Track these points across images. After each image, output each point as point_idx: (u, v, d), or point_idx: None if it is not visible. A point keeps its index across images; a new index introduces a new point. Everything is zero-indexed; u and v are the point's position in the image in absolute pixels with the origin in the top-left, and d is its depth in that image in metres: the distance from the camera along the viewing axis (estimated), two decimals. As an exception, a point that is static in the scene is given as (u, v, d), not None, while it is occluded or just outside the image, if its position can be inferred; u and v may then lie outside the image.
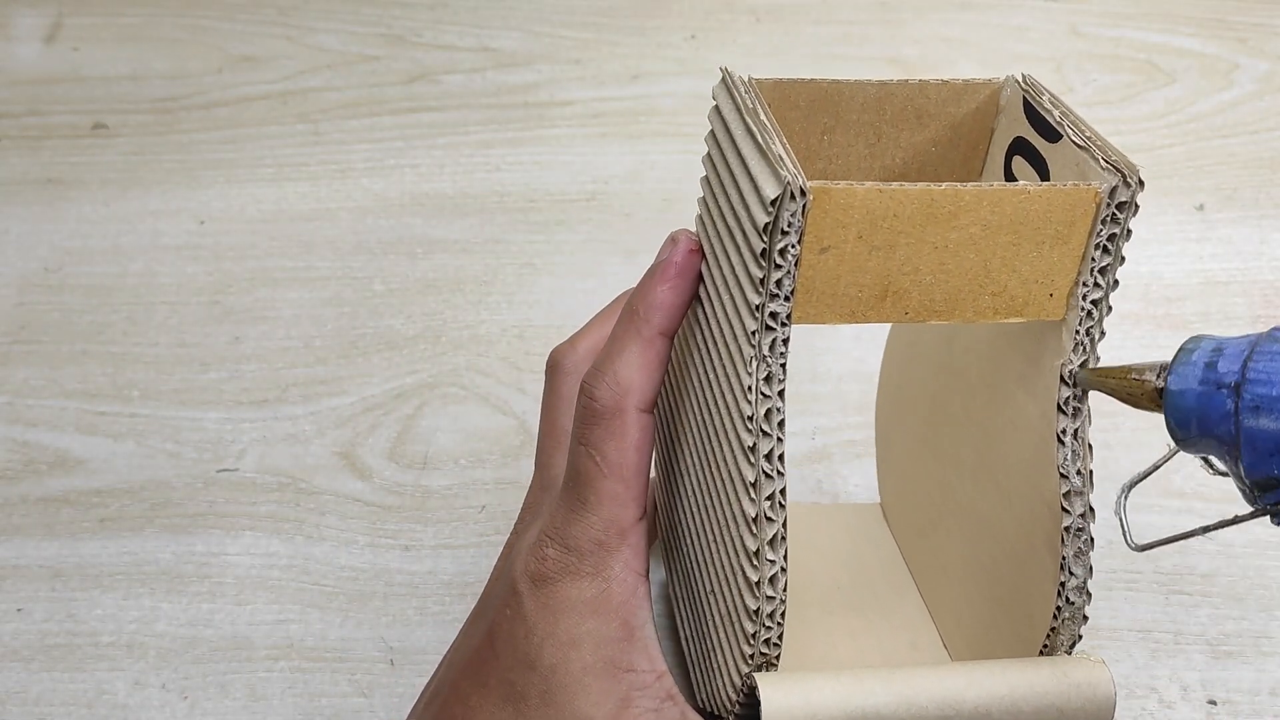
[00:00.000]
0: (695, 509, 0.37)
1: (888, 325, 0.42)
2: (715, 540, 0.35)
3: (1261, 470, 0.27)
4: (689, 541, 0.38)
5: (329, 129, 0.67)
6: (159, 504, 0.51)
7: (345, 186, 0.64)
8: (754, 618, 0.32)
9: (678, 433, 0.39)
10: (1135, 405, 0.30)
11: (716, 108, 0.34)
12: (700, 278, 0.35)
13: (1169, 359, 0.29)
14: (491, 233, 0.62)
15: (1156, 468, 0.32)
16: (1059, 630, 0.33)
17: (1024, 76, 0.35)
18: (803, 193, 0.29)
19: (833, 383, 0.55)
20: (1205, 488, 0.51)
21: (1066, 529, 0.32)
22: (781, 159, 0.29)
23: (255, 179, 0.64)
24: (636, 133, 0.66)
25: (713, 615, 0.36)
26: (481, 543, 0.49)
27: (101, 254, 0.62)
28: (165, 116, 0.67)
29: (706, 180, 0.35)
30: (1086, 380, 0.32)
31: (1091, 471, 0.32)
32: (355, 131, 0.66)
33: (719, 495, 0.34)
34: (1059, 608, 0.33)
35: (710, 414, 0.34)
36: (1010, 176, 0.35)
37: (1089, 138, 0.32)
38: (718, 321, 0.33)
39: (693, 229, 0.36)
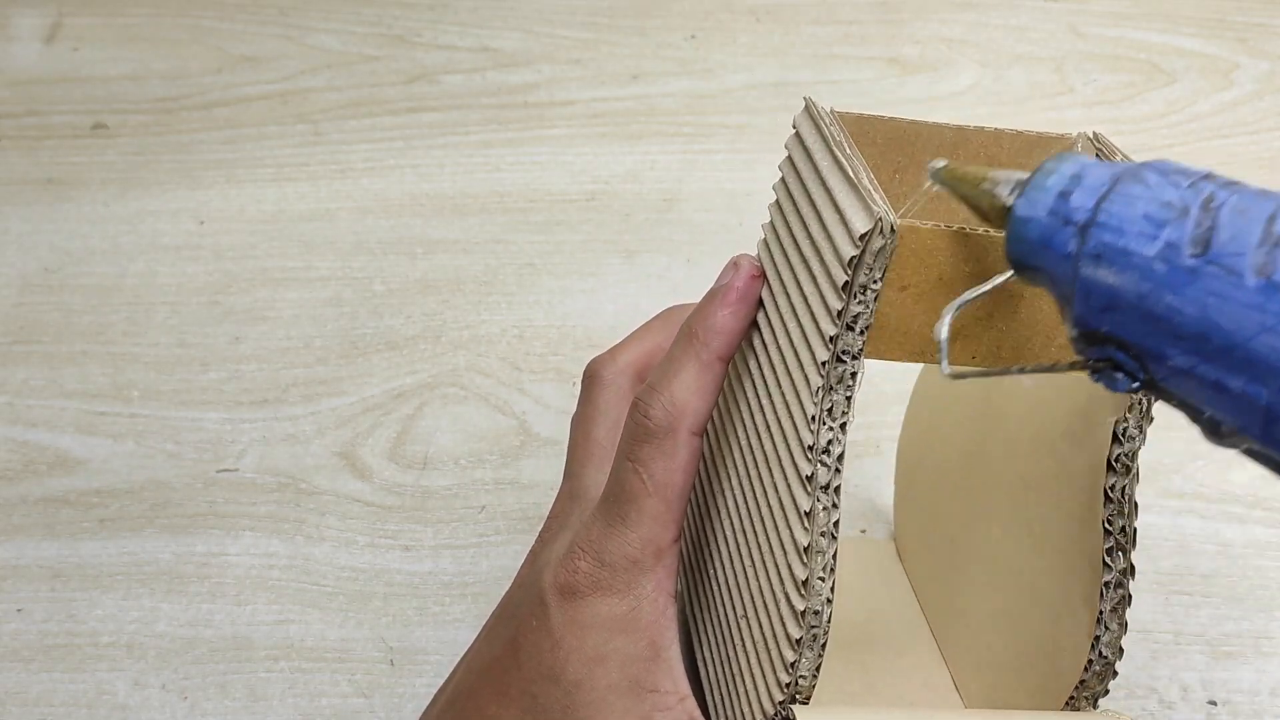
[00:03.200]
0: (732, 534, 0.37)
1: None
2: (755, 565, 0.34)
3: (1090, 324, 0.24)
4: (721, 565, 0.38)
5: (329, 129, 0.67)
6: (159, 504, 0.51)
7: (345, 186, 0.64)
8: (795, 647, 0.32)
9: (717, 457, 0.39)
10: (983, 220, 0.28)
11: (797, 135, 0.34)
12: (760, 304, 0.35)
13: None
14: (491, 233, 0.62)
15: (993, 287, 0.30)
16: (1088, 683, 0.33)
17: (1095, 134, 0.35)
18: (893, 230, 0.29)
19: (833, 383, 0.55)
20: (1205, 488, 0.51)
21: (1106, 584, 0.32)
22: (871, 194, 0.29)
23: (255, 179, 0.64)
24: (636, 133, 0.66)
25: (743, 640, 0.35)
26: (481, 543, 0.49)
27: (101, 254, 0.62)
28: (165, 116, 0.67)
29: (779, 207, 0.35)
30: (942, 176, 0.29)
31: (1136, 529, 0.32)
32: (355, 131, 0.66)
33: (765, 522, 0.34)
34: (1090, 660, 0.32)
35: (762, 441, 0.34)
36: None
37: None
38: (780, 349, 0.33)
39: (754, 252, 0.36)
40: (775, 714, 0.33)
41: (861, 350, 0.30)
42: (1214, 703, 0.43)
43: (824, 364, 0.31)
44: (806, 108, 0.34)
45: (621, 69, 0.69)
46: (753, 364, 0.35)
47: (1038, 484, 0.35)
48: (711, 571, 0.39)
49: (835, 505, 0.31)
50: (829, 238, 0.31)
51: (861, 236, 0.29)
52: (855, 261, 0.29)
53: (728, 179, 0.65)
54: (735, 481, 0.36)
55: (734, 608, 0.36)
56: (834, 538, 0.31)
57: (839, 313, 0.30)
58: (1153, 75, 0.67)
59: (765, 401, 0.34)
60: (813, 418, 0.31)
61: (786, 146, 0.35)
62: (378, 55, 0.70)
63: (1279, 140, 0.64)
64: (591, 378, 0.40)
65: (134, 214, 0.63)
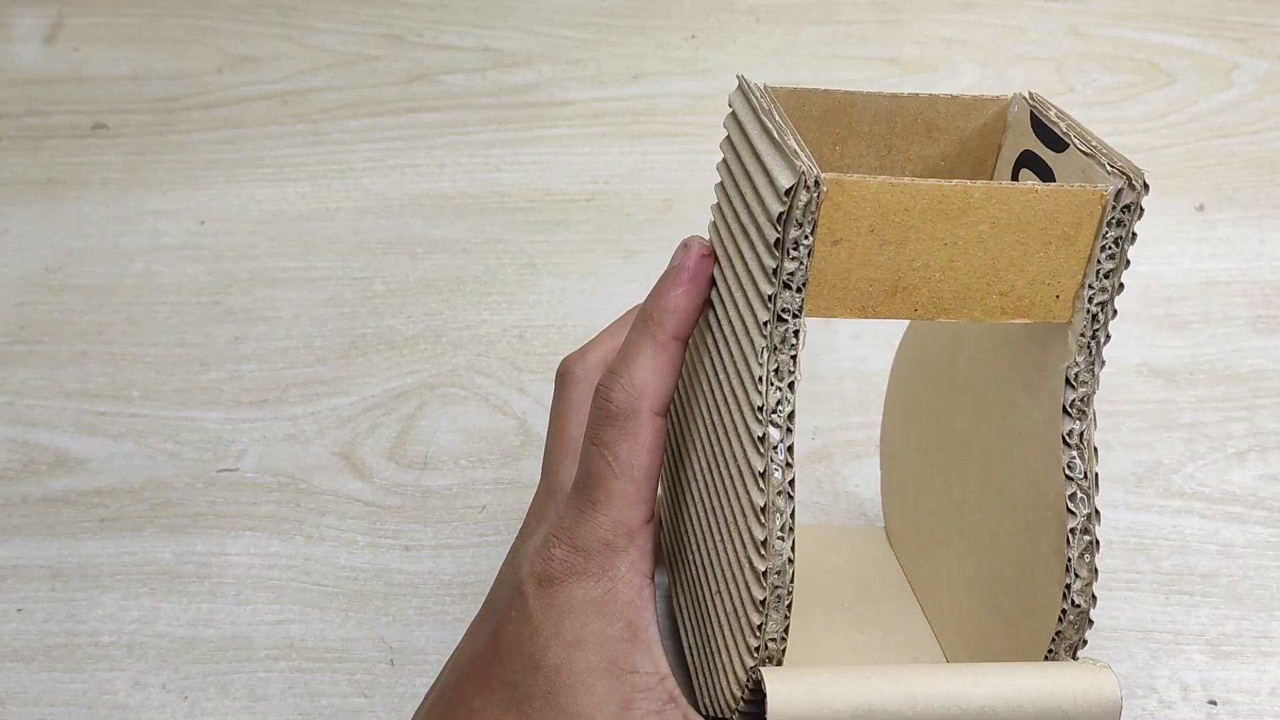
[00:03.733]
0: (701, 511, 0.37)
1: (889, 325, 0.42)
2: (721, 537, 0.35)
3: None
4: (694, 544, 0.38)
5: (329, 129, 0.67)
6: (159, 504, 0.51)
7: (345, 186, 0.64)
8: (760, 609, 0.32)
9: (685, 438, 0.39)
10: None
11: (733, 114, 0.35)
12: (712, 282, 0.35)
13: None
14: (491, 233, 0.62)
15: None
16: (1064, 634, 0.33)
17: (1030, 94, 0.36)
18: (817, 183, 0.29)
19: (832, 382, 0.55)
20: (1205, 488, 0.51)
21: (1072, 530, 0.32)
22: (796, 152, 0.30)
23: (255, 179, 0.64)
24: (636, 133, 0.66)
25: (718, 615, 0.36)
26: (482, 543, 0.49)
27: (101, 254, 0.62)
28: (165, 116, 0.67)
29: (721, 186, 0.36)
30: None
31: (1097, 475, 0.32)
32: (355, 131, 0.66)
33: (726, 490, 0.34)
34: (1064, 610, 0.33)
35: (720, 412, 0.35)
36: None
37: (1095, 146, 0.32)
38: (730, 320, 0.34)
39: (705, 235, 0.36)
40: (747, 680, 0.33)
41: (801, 308, 0.31)
42: (1214, 702, 0.43)
43: (765, 324, 0.31)
44: (739, 85, 0.35)
45: (621, 69, 0.69)
46: (709, 340, 0.36)
47: (1002, 442, 0.35)
48: (688, 552, 0.39)
49: (789, 465, 0.32)
50: (760, 200, 0.31)
51: (787, 192, 0.29)
52: (784, 217, 0.30)
53: (728, 179, 0.65)
54: (701, 458, 0.37)
55: (708, 583, 0.37)
56: (790, 497, 0.32)
57: (774, 271, 0.30)
58: (1153, 75, 0.67)
59: (721, 374, 0.35)
60: (760, 379, 0.31)
61: (725, 125, 0.35)
62: (378, 55, 0.70)
63: (1279, 140, 0.64)
64: (563, 376, 0.40)
65: (134, 214, 0.63)
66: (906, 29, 0.70)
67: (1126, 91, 0.66)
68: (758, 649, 0.33)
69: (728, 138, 0.35)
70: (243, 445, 0.53)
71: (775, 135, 0.31)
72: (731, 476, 0.34)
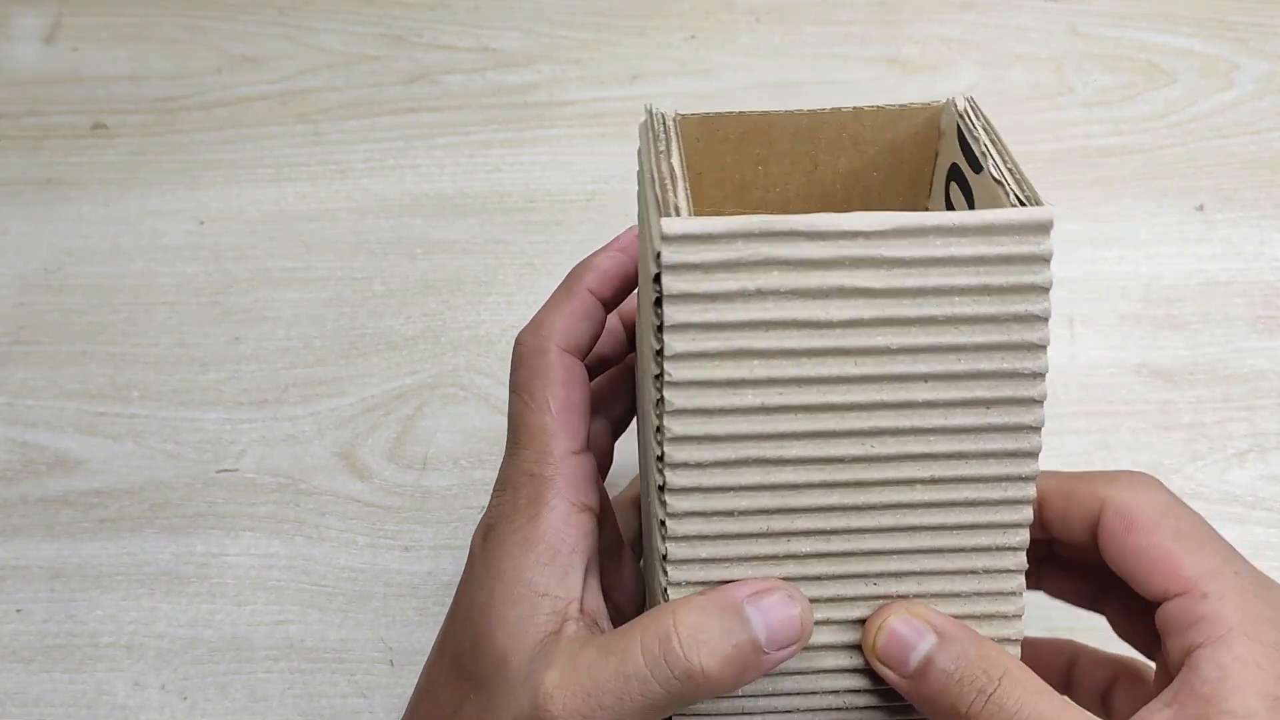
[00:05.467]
0: (645, 460, 0.36)
1: None
2: (647, 468, 0.34)
3: None
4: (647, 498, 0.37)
5: (329, 129, 0.67)
6: (159, 504, 0.51)
7: (345, 186, 0.64)
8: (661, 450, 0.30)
9: (642, 411, 0.38)
10: None
11: (639, 149, 0.35)
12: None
13: None
14: (491, 233, 0.62)
15: None
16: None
17: (966, 101, 0.34)
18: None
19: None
20: (1205, 488, 0.51)
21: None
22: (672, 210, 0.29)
23: (255, 179, 0.64)
24: (636, 133, 0.66)
25: (651, 534, 0.35)
26: (481, 543, 0.49)
27: (101, 254, 0.62)
28: (165, 116, 0.67)
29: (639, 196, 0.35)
30: None
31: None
32: (355, 131, 0.66)
33: (647, 422, 0.33)
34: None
35: (644, 362, 0.34)
36: (949, 205, 0.35)
37: (1009, 169, 0.31)
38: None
39: None
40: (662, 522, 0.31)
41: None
42: (1214, 703, 0.43)
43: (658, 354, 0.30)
44: (647, 117, 0.34)
45: (621, 69, 0.69)
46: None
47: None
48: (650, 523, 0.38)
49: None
50: (647, 249, 0.31)
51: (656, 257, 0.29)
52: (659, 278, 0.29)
53: (728, 179, 0.65)
54: (643, 398, 0.36)
55: (647, 511, 0.36)
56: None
57: (658, 327, 0.29)
58: (1153, 75, 0.67)
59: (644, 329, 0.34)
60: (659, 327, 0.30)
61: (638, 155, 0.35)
62: (378, 55, 0.70)
63: (1279, 140, 0.64)
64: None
65: (134, 214, 0.63)
66: (906, 29, 0.70)
67: (1126, 91, 0.66)
68: (660, 482, 0.31)
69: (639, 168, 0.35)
70: (242, 446, 0.53)
71: (657, 189, 0.30)
72: (649, 401, 0.32)
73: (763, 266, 0.28)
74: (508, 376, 0.56)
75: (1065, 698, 0.30)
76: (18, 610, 0.47)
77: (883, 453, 0.30)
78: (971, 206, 0.33)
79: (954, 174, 0.35)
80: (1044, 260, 0.29)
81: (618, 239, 0.37)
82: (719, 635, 0.30)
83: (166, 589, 0.48)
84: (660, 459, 0.30)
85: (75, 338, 0.58)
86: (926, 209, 0.37)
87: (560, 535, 0.33)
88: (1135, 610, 0.36)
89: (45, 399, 0.55)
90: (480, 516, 0.36)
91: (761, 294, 0.28)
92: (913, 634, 0.31)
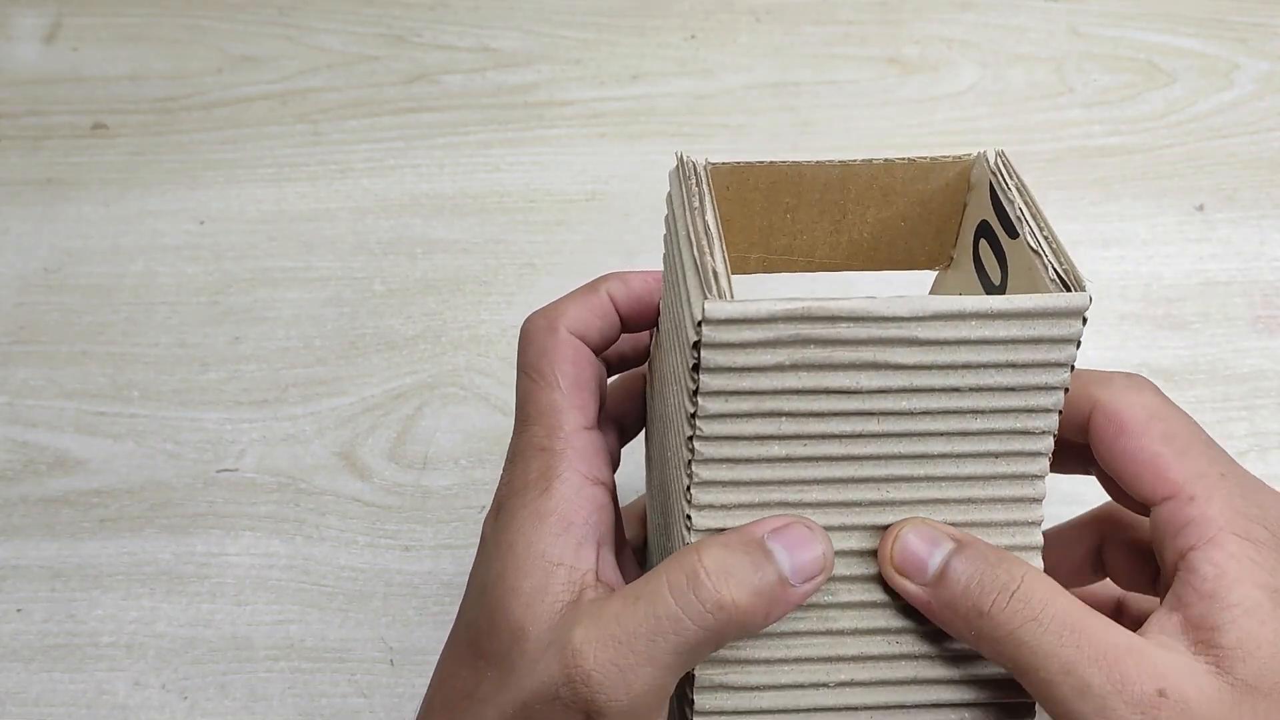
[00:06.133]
0: (662, 460, 0.36)
1: None
2: (671, 464, 0.34)
3: None
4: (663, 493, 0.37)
5: (329, 129, 0.67)
6: (159, 504, 0.51)
7: (345, 186, 0.64)
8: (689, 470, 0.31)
9: (657, 418, 0.38)
10: None
11: (669, 196, 0.34)
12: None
13: None
14: (491, 233, 0.62)
15: None
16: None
17: (997, 155, 0.34)
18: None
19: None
20: (1205, 488, 0.51)
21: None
22: (712, 277, 0.29)
23: (255, 179, 0.64)
24: (636, 133, 0.66)
25: (668, 528, 0.35)
26: (481, 543, 0.49)
27: (101, 254, 0.62)
28: (165, 116, 0.67)
29: (666, 240, 0.35)
30: None
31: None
32: (355, 131, 0.66)
33: (672, 419, 0.33)
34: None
35: (672, 372, 0.34)
36: (978, 260, 0.35)
37: (1045, 237, 0.31)
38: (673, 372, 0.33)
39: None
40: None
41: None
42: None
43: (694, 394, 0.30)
44: (678, 164, 0.34)
45: (621, 69, 0.69)
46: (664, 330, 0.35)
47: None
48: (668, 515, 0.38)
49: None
50: (682, 315, 0.31)
51: (698, 323, 0.29)
52: (698, 345, 0.29)
53: (728, 179, 0.65)
54: (662, 415, 0.36)
55: (664, 511, 0.36)
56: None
57: (694, 392, 0.30)
58: (1152, 75, 0.67)
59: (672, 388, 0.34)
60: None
61: (667, 201, 0.35)
62: (378, 55, 0.70)
63: (1279, 140, 0.64)
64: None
65: (134, 214, 0.63)
66: (906, 29, 0.70)
67: (1126, 91, 0.66)
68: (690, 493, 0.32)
69: (668, 215, 0.34)
70: (242, 445, 0.53)
71: (694, 251, 0.30)
72: (676, 401, 0.33)
73: (800, 344, 0.29)
74: (508, 376, 0.56)
75: (1084, 605, 0.30)
76: (18, 610, 0.47)
77: (897, 498, 0.31)
78: (1004, 270, 0.33)
79: (984, 231, 0.35)
80: (1074, 342, 0.29)
81: (656, 272, 0.37)
82: (746, 568, 0.30)
83: (167, 589, 0.48)
84: (688, 499, 0.31)
85: (75, 338, 0.58)
86: (952, 259, 0.37)
87: (573, 507, 0.33)
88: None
89: (45, 399, 0.55)
90: (481, 516, 0.36)
91: (795, 367, 0.29)
92: (929, 541, 0.31)
